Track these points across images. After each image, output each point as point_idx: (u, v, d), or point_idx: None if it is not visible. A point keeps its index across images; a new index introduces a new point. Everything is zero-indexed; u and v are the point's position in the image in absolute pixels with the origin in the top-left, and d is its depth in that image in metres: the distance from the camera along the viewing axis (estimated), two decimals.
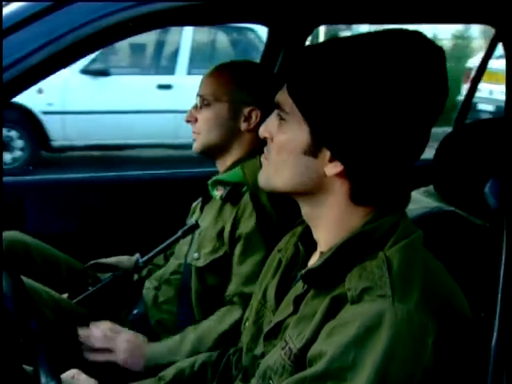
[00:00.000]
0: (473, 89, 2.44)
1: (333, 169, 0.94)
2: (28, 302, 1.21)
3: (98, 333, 1.55)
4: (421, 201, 1.40)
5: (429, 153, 1.51)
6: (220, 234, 1.58)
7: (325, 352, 0.86)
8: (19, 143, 6.15)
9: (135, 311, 1.77)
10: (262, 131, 1.03)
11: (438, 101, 0.94)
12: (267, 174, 1.03)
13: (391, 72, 0.90)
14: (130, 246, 1.93)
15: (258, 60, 2.23)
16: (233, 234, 1.56)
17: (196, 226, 1.68)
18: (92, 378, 1.32)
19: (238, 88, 1.61)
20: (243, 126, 1.61)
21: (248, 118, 1.61)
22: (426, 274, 0.91)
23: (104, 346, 1.54)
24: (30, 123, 6.15)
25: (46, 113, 6.18)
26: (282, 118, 0.98)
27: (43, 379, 1.14)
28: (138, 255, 1.83)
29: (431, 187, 1.42)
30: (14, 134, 6.13)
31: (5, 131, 6.10)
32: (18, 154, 6.14)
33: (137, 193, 2.28)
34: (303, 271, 0.98)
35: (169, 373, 1.29)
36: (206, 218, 1.67)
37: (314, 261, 1.03)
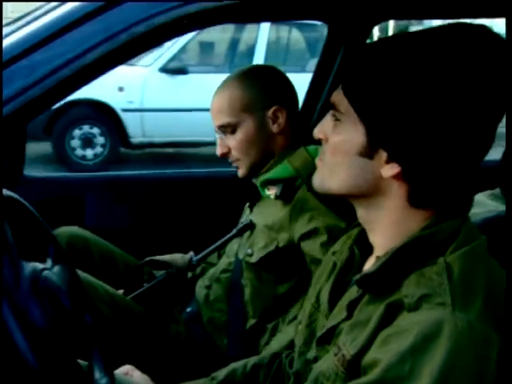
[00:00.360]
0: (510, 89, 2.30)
1: (389, 170, 0.90)
2: (83, 297, 1.24)
3: None
4: (486, 204, 1.34)
5: (496, 153, 1.44)
6: (271, 229, 1.55)
7: (380, 360, 0.82)
8: (100, 140, 6.35)
9: (188, 309, 1.78)
10: (317, 132, 1.00)
11: (502, 97, 0.89)
12: (322, 175, 1.00)
13: (453, 67, 0.86)
14: (184, 244, 1.94)
15: None
16: (292, 232, 1.50)
17: (251, 225, 1.67)
18: (145, 374, 1.35)
19: (249, 99, 1.54)
20: (274, 128, 1.56)
21: (275, 119, 1.55)
22: (490, 282, 0.87)
23: None
24: (110, 120, 6.34)
25: (125, 110, 6.36)
26: (337, 119, 0.95)
27: (97, 374, 1.16)
28: (191, 253, 1.83)
29: (497, 190, 1.35)
30: (96, 130, 6.35)
31: (87, 128, 6.35)
32: (99, 150, 6.35)
33: (193, 190, 2.29)
34: (358, 276, 0.95)
35: (221, 373, 1.28)
36: (258, 216, 1.64)
37: (369, 265, 1.00)
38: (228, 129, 1.56)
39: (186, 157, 6.57)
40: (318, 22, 6.36)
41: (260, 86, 1.56)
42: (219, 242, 1.76)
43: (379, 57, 0.91)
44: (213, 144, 6.44)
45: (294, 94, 1.62)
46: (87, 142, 6.30)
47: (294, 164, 1.51)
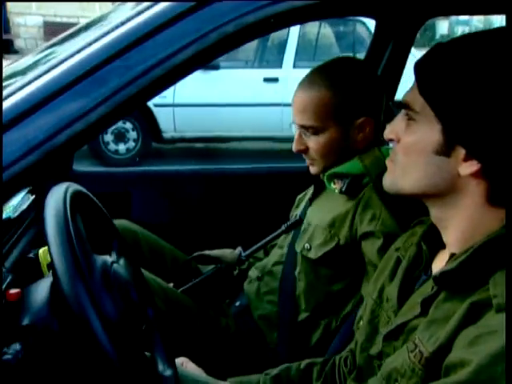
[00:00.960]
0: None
1: (468, 168, 0.90)
2: (147, 291, 1.26)
3: None
4: None
5: None
6: (331, 225, 1.53)
7: (469, 361, 0.82)
8: (133, 134, 6.39)
9: (237, 303, 1.79)
10: (388, 133, 1.00)
11: None
12: (393, 176, 1.01)
13: None
14: (231, 239, 1.97)
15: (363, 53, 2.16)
16: (354, 228, 1.49)
17: (300, 221, 1.65)
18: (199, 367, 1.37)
19: (339, 107, 1.48)
20: (359, 137, 1.51)
21: (362, 130, 1.51)
22: None
23: None
24: (143, 115, 6.36)
25: (158, 105, 6.40)
26: (411, 118, 0.96)
27: (160, 366, 1.18)
28: (240, 249, 1.85)
29: None
30: (128, 125, 6.39)
31: (120, 123, 6.39)
32: (131, 144, 6.40)
33: (239, 186, 2.30)
34: (437, 273, 0.95)
35: (275, 369, 1.30)
36: (317, 210, 1.63)
37: (440, 262, 1.01)
38: (310, 130, 1.51)
39: (216, 151, 6.59)
40: (349, 18, 6.39)
41: (352, 94, 1.49)
42: (268, 238, 1.77)
43: (454, 54, 0.91)
44: (244, 139, 6.44)
45: (380, 99, 1.55)
46: (120, 136, 6.33)
47: (365, 161, 1.49)
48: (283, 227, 1.73)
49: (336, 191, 1.52)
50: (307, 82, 1.52)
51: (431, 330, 0.92)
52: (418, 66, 0.96)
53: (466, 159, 0.90)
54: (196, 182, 2.33)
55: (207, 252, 1.86)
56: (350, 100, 1.49)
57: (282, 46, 6.72)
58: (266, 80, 6.45)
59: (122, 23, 0.77)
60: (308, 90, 1.50)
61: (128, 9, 0.90)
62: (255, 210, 2.25)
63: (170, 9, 0.76)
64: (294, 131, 1.58)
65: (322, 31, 7.04)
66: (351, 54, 6.03)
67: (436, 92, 0.92)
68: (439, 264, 1.01)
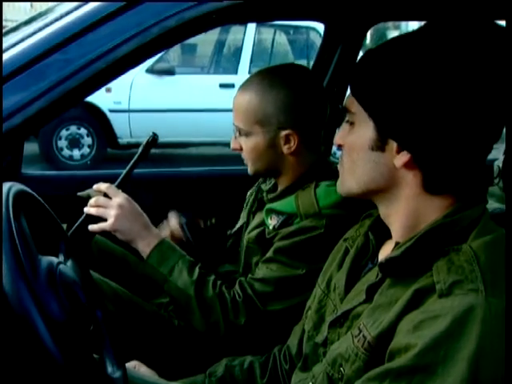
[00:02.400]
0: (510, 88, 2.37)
1: (401, 159, 0.94)
2: (95, 292, 1.25)
3: (92, 201, 1.57)
4: None
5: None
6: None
7: (414, 345, 0.84)
8: (87, 140, 6.38)
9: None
10: (337, 140, 1.04)
11: (501, 80, 0.92)
12: (342, 179, 1.05)
13: (453, 55, 0.90)
14: None
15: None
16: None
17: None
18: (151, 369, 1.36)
19: (264, 115, 1.48)
20: (285, 149, 1.51)
21: (287, 142, 1.50)
22: None
23: (98, 214, 1.56)
24: (98, 121, 6.36)
25: (113, 111, 6.37)
26: (351, 122, 1.00)
27: (109, 368, 1.16)
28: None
29: (491, 188, 1.39)
30: (83, 131, 6.36)
31: (74, 129, 6.34)
32: (86, 150, 6.37)
33: (192, 188, 2.31)
34: (383, 260, 0.97)
35: (218, 369, 1.31)
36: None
37: (386, 251, 1.03)
38: (240, 131, 1.53)
39: (173, 157, 6.58)
40: (303, 25, 6.49)
41: (280, 105, 1.49)
42: None
43: (380, 57, 0.96)
44: (201, 144, 6.45)
45: (316, 113, 1.55)
46: (74, 142, 6.31)
47: (298, 201, 1.50)
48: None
49: (270, 227, 1.54)
50: (245, 84, 1.55)
51: (375, 315, 0.94)
52: (351, 70, 1.01)
53: (398, 151, 0.94)
54: (148, 184, 2.31)
55: None
56: (276, 110, 1.49)
57: (238, 52, 6.79)
58: (222, 86, 6.49)
59: (62, 16, 0.76)
60: (242, 92, 1.53)
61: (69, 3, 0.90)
62: (208, 211, 2.24)
63: (111, 3, 0.76)
64: None
65: (277, 38, 7.15)
66: (305, 60, 6.13)
67: (365, 91, 0.97)
68: (385, 253, 1.03)
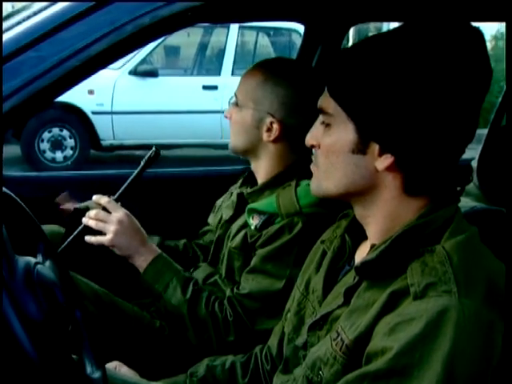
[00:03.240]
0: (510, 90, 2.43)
1: (383, 162, 0.94)
2: (74, 292, 1.24)
3: (91, 213, 1.58)
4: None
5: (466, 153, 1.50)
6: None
7: (390, 348, 0.85)
8: (70, 142, 6.35)
9: None
10: (308, 139, 1.04)
11: (480, 83, 0.93)
12: (317, 180, 1.04)
13: (431, 57, 0.90)
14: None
15: None
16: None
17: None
18: (132, 369, 1.36)
19: (264, 96, 1.55)
20: (265, 136, 1.56)
21: (269, 129, 1.56)
22: (488, 270, 0.91)
23: (97, 228, 1.57)
24: (80, 123, 6.33)
25: (95, 113, 6.34)
26: (327, 123, 1.00)
27: (88, 369, 1.16)
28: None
29: (468, 187, 1.41)
30: (65, 133, 6.33)
31: (57, 131, 6.30)
32: (69, 152, 6.34)
33: (173, 189, 2.31)
34: (358, 263, 0.98)
35: (199, 369, 1.31)
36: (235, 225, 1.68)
37: (362, 253, 1.04)
38: (237, 102, 1.60)
39: (159, 158, 6.56)
40: (284, 26, 6.53)
41: (278, 94, 1.55)
42: None
43: (359, 54, 0.96)
44: (184, 146, 6.44)
45: (307, 115, 1.59)
46: (57, 144, 6.28)
47: (279, 201, 1.53)
48: None
49: (252, 227, 1.56)
50: (260, 63, 1.65)
51: (352, 318, 0.94)
52: (327, 71, 1.00)
53: (380, 154, 0.94)
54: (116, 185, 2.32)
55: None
56: (273, 96, 1.54)
57: (221, 54, 6.81)
58: (205, 87, 6.49)
59: (35, 13, 0.76)
60: (254, 69, 1.62)
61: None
62: (179, 213, 2.24)
63: (85, 0, 0.76)
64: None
65: (260, 40, 7.19)
66: None
67: (345, 93, 0.96)
68: (361, 255, 1.04)
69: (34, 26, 0.76)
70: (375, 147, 0.94)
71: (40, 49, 0.74)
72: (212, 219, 1.88)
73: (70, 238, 1.69)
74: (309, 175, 1.52)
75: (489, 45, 9.31)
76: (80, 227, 1.66)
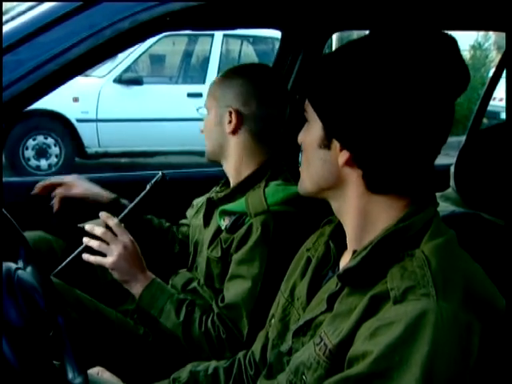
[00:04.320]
0: (487, 97, 2.49)
1: (342, 157, 0.97)
2: (56, 298, 1.24)
3: (98, 232, 1.59)
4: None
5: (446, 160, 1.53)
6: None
7: (370, 352, 0.86)
8: (55, 150, 6.32)
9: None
10: (298, 139, 1.08)
11: (447, 86, 0.95)
12: (301, 179, 1.08)
13: (391, 62, 0.93)
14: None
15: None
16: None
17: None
18: (115, 375, 1.35)
19: (222, 92, 1.63)
20: (227, 128, 1.62)
21: (230, 122, 1.61)
22: (466, 272, 0.92)
23: (100, 249, 1.58)
24: (65, 131, 6.31)
25: (80, 121, 6.33)
26: (307, 122, 1.04)
27: (70, 374, 1.16)
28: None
29: (447, 192, 1.43)
30: (50, 141, 6.31)
31: (41, 138, 6.28)
32: (53, 160, 6.31)
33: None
34: (341, 270, 0.99)
35: (182, 374, 1.31)
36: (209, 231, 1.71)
37: (346, 259, 1.04)
38: (206, 109, 1.69)
39: (140, 166, 6.55)
40: (268, 35, 6.58)
41: (236, 88, 1.62)
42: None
43: (326, 63, 1.01)
44: (169, 153, 6.42)
45: (268, 108, 1.64)
46: (41, 152, 6.26)
47: (248, 201, 1.57)
48: None
49: (223, 228, 1.60)
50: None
51: (335, 323, 0.95)
52: (302, 73, 1.05)
53: (341, 150, 0.97)
54: (112, 188, 2.32)
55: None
56: (231, 90, 1.62)
57: (205, 62, 6.83)
58: (190, 95, 6.49)
59: (13, 18, 0.76)
60: (213, 82, 1.73)
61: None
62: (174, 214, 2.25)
63: (63, 4, 0.76)
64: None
65: (244, 48, 7.24)
66: None
67: (313, 92, 1.01)
68: (346, 261, 1.04)
69: (12, 29, 0.76)
70: (337, 143, 0.98)
71: (18, 53, 0.74)
72: (189, 214, 1.92)
73: (70, 257, 1.71)
74: (278, 177, 1.58)
75: (467, 54, 9.48)
76: (81, 247, 1.66)
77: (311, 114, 1.02)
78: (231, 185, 1.67)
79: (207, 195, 1.80)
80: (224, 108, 1.61)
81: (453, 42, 0.96)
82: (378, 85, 0.92)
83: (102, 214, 1.63)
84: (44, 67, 0.74)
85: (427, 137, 0.95)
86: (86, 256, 1.59)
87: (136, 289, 1.58)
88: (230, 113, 1.60)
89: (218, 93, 1.65)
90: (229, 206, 1.61)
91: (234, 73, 1.68)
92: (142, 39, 0.84)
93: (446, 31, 0.98)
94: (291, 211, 1.51)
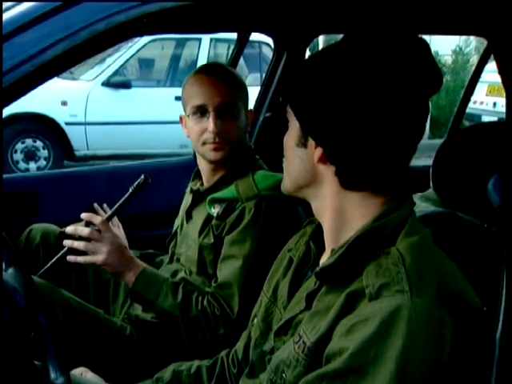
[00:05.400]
0: (466, 98, 2.53)
1: (317, 154, 0.99)
2: (38, 299, 1.24)
3: (84, 233, 1.62)
4: (418, 205, 1.42)
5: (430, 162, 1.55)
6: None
7: (346, 348, 0.87)
8: (44, 153, 6.32)
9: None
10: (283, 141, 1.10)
11: (418, 86, 0.96)
12: (283, 178, 1.10)
13: (361, 64, 0.95)
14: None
15: None
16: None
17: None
18: (98, 375, 1.36)
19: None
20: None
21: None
22: (440, 269, 0.94)
23: (88, 249, 1.62)
24: (54, 134, 6.31)
25: (69, 124, 6.33)
26: (288, 120, 1.06)
27: (52, 375, 1.16)
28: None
29: (427, 192, 1.45)
30: (39, 144, 6.30)
31: (30, 141, 6.27)
32: (42, 163, 6.30)
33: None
34: (318, 269, 1.01)
35: (165, 374, 1.32)
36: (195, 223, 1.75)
37: (325, 258, 1.06)
38: None
39: None
40: (255, 39, 6.64)
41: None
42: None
43: (302, 67, 1.04)
44: (157, 156, 6.42)
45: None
46: (30, 155, 6.25)
47: (238, 187, 1.63)
48: None
49: (214, 215, 1.65)
50: None
51: (314, 321, 0.97)
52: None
53: (316, 147, 1.00)
54: (99, 179, 2.33)
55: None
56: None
57: (193, 65, 6.84)
58: (178, 98, 6.46)
59: None
60: None
61: None
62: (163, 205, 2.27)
63: (39, 6, 0.77)
64: None
65: (232, 52, 7.23)
66: (258, 73, 6.31)
67: (290, 92, 1.04)
68: (324, 260, 1.06)
69: None
70: (312, 141, 1.00)
71: None
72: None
73: (52, 261, 1.73)
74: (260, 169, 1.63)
75: (449, 59, 9.58)
76: (63, 250, 1.69)
77: (290, 113, 1.04)
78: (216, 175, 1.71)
79: (187, 192, 1.84)
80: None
81: (423, 43, 0.98)
82: (349, 83, 0.95)
83: (85, 214, 1.65)
84: (20, 68, 0.74)
85: (399, 134, 0.96)
86: (72, 258, 1.62)
87: (129, 277, 1.62)
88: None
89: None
90: (218, 194, 1.66)
91: None
92: (119, 41, 0.85)
93: (424, 35, 1.00)
94: (280, 195, 1.54)
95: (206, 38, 6.74)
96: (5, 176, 2.65)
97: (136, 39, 6.41)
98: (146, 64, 7.78)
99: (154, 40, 6.61)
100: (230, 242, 1.60)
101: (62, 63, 0.79)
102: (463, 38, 9.34)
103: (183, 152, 6.51)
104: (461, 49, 10.07)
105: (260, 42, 6.70)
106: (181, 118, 1.74)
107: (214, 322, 1.57)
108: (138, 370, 1.61)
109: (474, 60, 9.79)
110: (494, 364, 0.92)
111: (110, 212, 1.77)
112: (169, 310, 1.60)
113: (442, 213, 1.37)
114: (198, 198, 1.74)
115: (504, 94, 1.08)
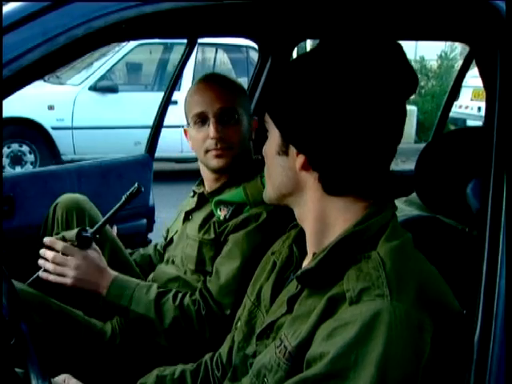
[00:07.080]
0: (449, 103, 2.56)
1: (299, 161, 1.00)
2: (18, 305, 1.23)
3: (48, 255, 1.61)
4: (402, 209, 1.43)
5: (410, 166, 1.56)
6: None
7: (327, 353, 0.87)
8: (30, 157, 6.30)
9: None
10: (263, 150, 1.10)
11: (395, 90, 0.97)
12: (266, 188, 1.10)
13: (339, 68, 0.96)
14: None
15: None
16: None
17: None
18: (81, 381, 1.35)
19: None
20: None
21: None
22: (420, 273, 0.94)
23: (56, 272, 1.61)
24: (40, 138, 6.29)
25: (56, 128, 6.31)
26: (267, 130, 1.06)
27: (34, 382, 1.15)
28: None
29: (411, 197, 1.46)
30: (25, 148, 6.27)
31: (16, 146, 6.25)
32: (29, 168, 6.26)
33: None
34: (299, 272, 1.00)
35: (150, 380, 1.31)
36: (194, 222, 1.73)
37: (307, 262, 1.06)
38: None
39: None
40: (243, 44, 6.65)
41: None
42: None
43: (281, 75, 1.04)
44: None
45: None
46: (16, 159, 6.23)
47: (247, 191, 1.61)
48: None
49: (221, 218, 1.62)
50: None
51: (295, 325, 0.97)
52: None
53: (297, 154, 1.00)
54: (69, 177, 2.33)
55: None
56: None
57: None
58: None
59: None
60: None
61: None
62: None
63: (18, 10, 0.77)
64: None
65: (219, 56, 7.29)
66: (246, 78, 6.30)
67: (270, 102, 1.05)
68: (306, 264, 1.06)
69: None
70: (293, 149, 1.00)
71: None
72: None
73: (33, 277, 1.72)
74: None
75: (435, 64, 9.69)
76: (38, 272, 1.68)
77: (269, 122, 1.04)
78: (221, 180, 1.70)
79: (190, 195, 1.84)
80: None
81: (398, 47, 0.99)
82: (326, 89, 0.95)
83: (46, 240, 1.64)
84: None
85: (379, 138, 0.97)
86: (44, 275, 1.61)
87: (102, 289, 1.60)
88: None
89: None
90: (226, 197, 1.64)
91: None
92: (98, 46, 0.85)
93: (410, 41, 1.01)
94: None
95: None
96: None
97: (123, 43, 6.41)
98: (133, 68, 7.77)
99: (141, 44, 6.60)
100: (232, 243, 1.58)
101: (40, 68, 0.79)
102: (448, 43, 9.45)
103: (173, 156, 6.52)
104: (446, 54, 10.21)
105: (247, 47, 6.73)
106: (185, 131, 1.72)
107: (198, 322, 1.54)
108: (120, 374, 1.60)
109: (459, 65, 9.95)
110: (473, 367, 0.93)
111: (100, 222, 1.76)
112: (144, 313, 1.56)
113: (424, 217, 1.38)
114: (202, 201, 1.73)
115: None
